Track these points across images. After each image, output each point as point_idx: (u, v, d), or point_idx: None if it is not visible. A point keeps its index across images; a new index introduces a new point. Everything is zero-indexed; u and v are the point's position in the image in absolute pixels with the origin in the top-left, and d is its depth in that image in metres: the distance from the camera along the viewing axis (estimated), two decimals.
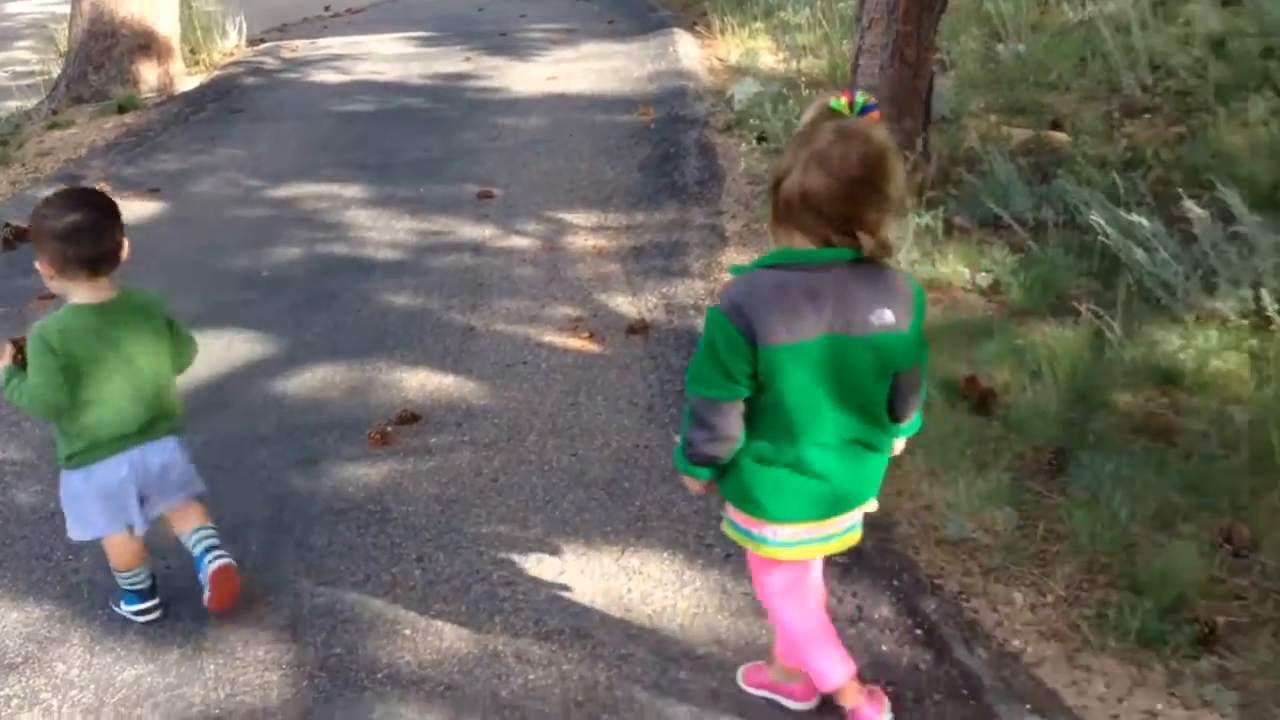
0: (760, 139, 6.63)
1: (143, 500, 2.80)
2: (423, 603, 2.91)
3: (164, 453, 2.82)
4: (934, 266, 4.47)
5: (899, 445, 2.35)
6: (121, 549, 2.85)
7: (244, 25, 11.51)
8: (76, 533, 2.85)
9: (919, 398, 2.23)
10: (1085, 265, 4.25)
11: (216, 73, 10.14)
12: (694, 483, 2.27)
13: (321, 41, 11.54)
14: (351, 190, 6.53)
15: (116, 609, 2.95)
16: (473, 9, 13.24)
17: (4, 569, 3.19)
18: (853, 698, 2.35)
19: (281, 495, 3.46)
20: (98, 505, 2.78)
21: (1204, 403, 3.43)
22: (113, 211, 2.71)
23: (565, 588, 2.93)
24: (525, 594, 2.92)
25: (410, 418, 3.89)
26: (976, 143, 5.57)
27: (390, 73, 9.68)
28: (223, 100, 9.01)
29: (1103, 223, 4.13)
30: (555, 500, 3.33)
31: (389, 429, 3.81)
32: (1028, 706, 2.43)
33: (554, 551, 3.09)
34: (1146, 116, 5.96)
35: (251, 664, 2.72)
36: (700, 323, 4.39)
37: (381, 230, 5.85)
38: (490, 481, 3.47)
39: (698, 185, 6.11)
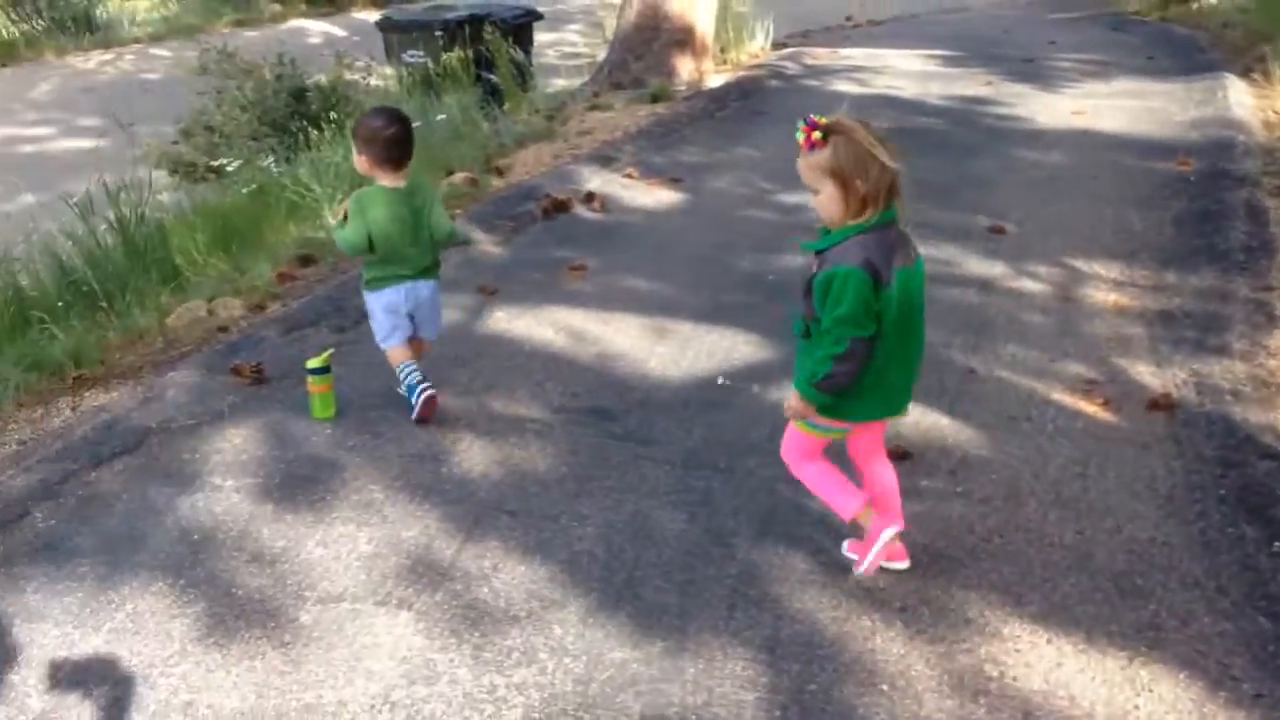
0: None
1: (412, 317, 4.05)
2: (903, 659, 2.78)
3: (429, 289, 4.07)
4: None
5: None
6: (398, 353, 4.06)
7: (771, 29, 11.86)
8: (378, 337, 4.09)
9: None
10: None
11: (741, 73, 10.51)
12: (810, 409, 2.87)
13: (842, 51, 11.64)
14: None
15: (402, 390, 4.09)
16: (997, 30, 12.87)
17: (517, 523, 3.42)
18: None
19: (769, 508, 3.46)
20: (384, 316, 4.02)
21: None
22: (410, 126, 3.95)
23: (1060, 685, 2.68)
24: (1015, 679, 2.70)
25: (901, 454, 3.76)
26: None
27: (908, 90, 9.57)
28: (746, 101, 9.31)
29: None
30: (1054, 580, 3.07)
31: None
32: None
33: (1049, 639, 2.84)
34: None
35: (729, 677, 2.72)
36: (1241, 413, 3.91)
37: None
38: (982, 541, 3.27)
39: (1243, 253, 5.48)
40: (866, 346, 2.71)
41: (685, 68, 9.82)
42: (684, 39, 9.82)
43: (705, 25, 10.02)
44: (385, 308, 4.02)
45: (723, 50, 10.91)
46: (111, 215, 5.80)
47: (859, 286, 2.65)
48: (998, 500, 3.47)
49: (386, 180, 3.92)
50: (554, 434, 3.96)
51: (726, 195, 6.83)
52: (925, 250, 5.63)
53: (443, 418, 4.05)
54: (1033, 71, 10.24)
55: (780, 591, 3.05)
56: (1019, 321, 4.81)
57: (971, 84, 9.74)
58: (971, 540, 3.27)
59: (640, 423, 4.04)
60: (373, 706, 2.67)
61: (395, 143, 3.86)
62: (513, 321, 4.95)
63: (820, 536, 3.30)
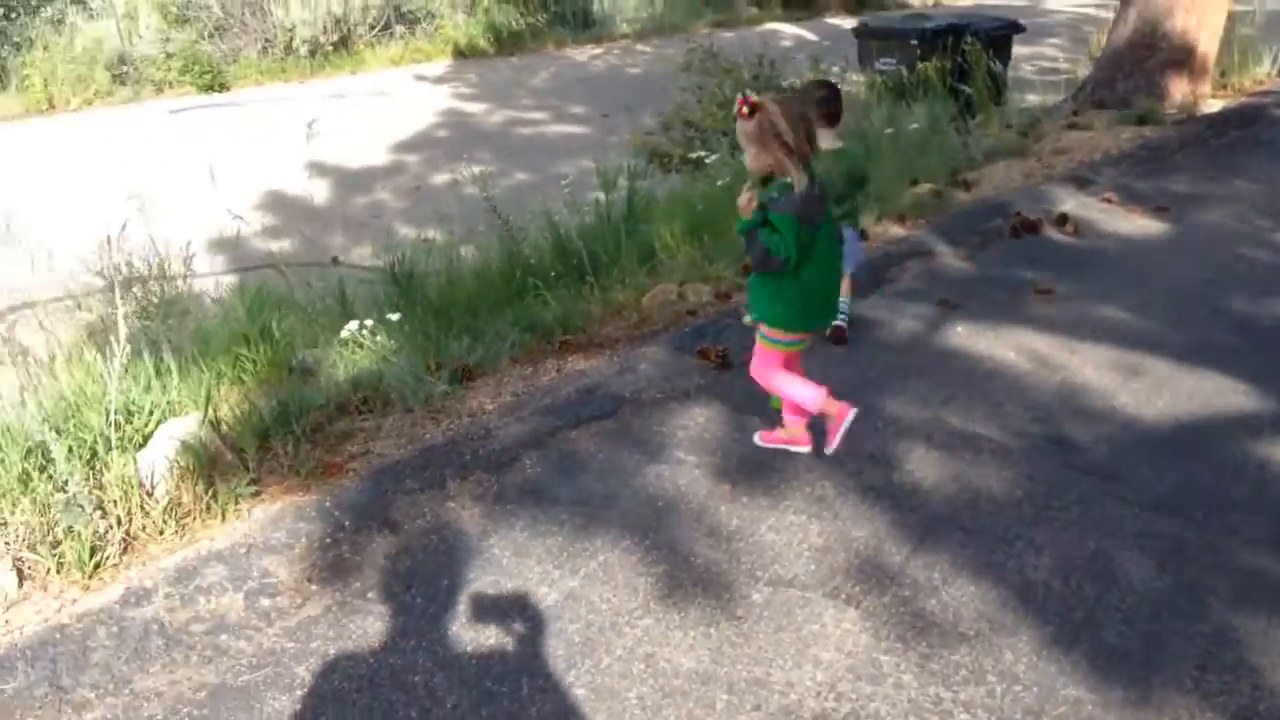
0: None
1: None
2: None
3: (848, 232, 4.62)
4: None
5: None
6: None
7: (1279, 55, 10.80)
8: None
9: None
10: None
11: (1243, 99, 9.67)
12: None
13: None
14: None
15: None
16: None
17: (969, 540, 3.37)
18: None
19: (1253, 571, 3.18)
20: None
21: None
22: (838, 92, 4.86)
23: None
24: None
25: None
26: None
27: None
28: (1246, 129, 8.57)
29: None
30: None
31: None
32: None
33: None
34: None
35: None
36: None
37: None
38: None
39: None
40: (781, 262, 3.53)
41: (1179, 90, 9.16)
42: (1182, 59, 9.16)
43: (1208, 46, 9.29)
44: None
45: (1223, 74, 10.06)
46: (599, 198, 6.27)
47: (788, 226, 3.47)
48: None
49: (825, 142, 4.48)
50: (1011, 456, 3.85)
51: (1218, 229, 6.31)
52: None
53: (897, 425, 4.06)
54: None
55: (1260, 662, 2.81)
56: None
57: None
58: None
59: (1106, 458, 3.84)
60: (819, 694, 2.74)
61: (824, 101, 4.71)
62: (973, 338, 4.86)
63: None
